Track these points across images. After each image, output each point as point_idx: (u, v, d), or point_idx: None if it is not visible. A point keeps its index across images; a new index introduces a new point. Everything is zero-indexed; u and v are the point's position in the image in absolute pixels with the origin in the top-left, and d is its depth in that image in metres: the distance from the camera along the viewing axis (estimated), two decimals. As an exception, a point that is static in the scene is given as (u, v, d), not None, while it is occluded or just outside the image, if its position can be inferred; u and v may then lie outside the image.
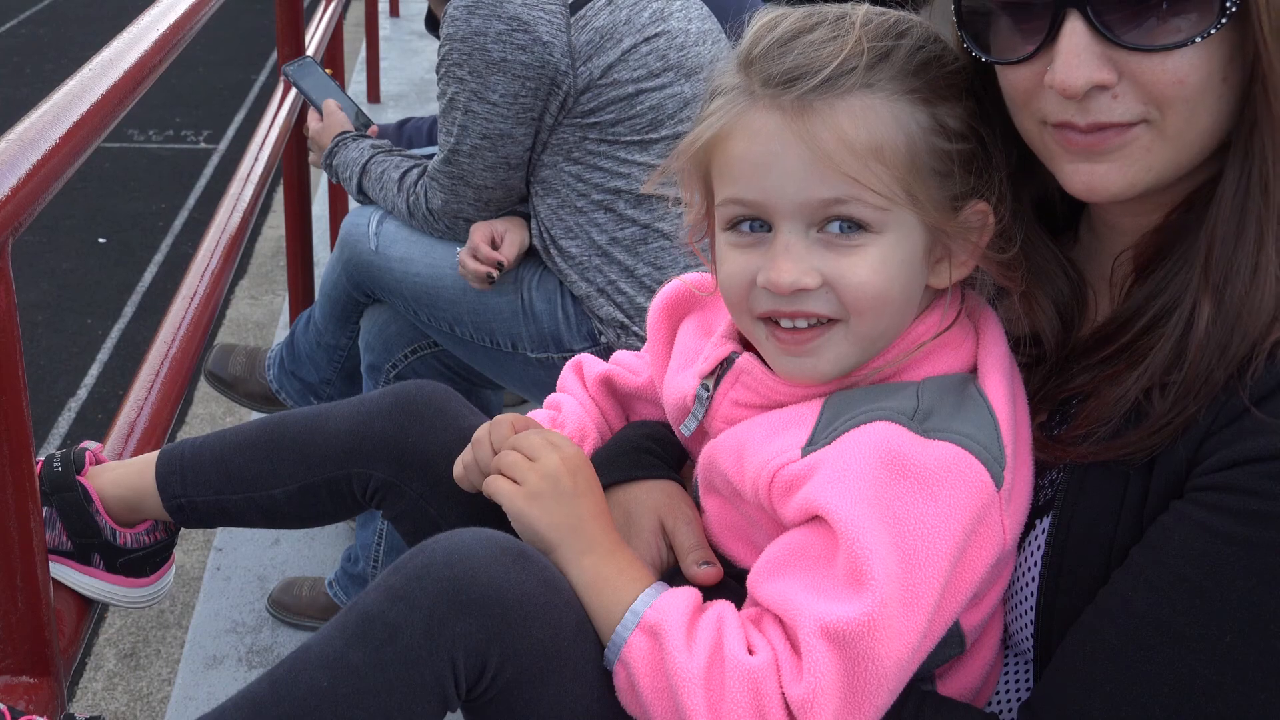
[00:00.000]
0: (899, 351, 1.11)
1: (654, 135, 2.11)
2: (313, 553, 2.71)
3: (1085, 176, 1.02)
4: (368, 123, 2.58)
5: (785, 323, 1.10)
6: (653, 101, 2.09)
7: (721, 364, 1.19)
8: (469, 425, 1.38)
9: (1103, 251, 1.14)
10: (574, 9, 2.07)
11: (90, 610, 1.41)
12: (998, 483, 1.04)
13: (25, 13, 8.73)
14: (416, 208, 2.26)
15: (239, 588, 2.63)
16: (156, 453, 1.45)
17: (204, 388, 3.44)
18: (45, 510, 1.37)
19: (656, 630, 1.06)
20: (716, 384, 1.19)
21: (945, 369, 1.11)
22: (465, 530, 1.11)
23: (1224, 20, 0.94)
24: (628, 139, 2.10)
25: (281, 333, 3.83)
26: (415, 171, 2.29)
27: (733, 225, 1.12)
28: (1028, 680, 1.17)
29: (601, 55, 2.06)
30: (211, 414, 3.47)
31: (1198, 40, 0.95)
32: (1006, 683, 1.18)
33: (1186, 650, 0.95)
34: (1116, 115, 0.99)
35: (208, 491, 1.43)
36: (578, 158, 2.13)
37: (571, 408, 1.40)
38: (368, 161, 2.37)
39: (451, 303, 2.25)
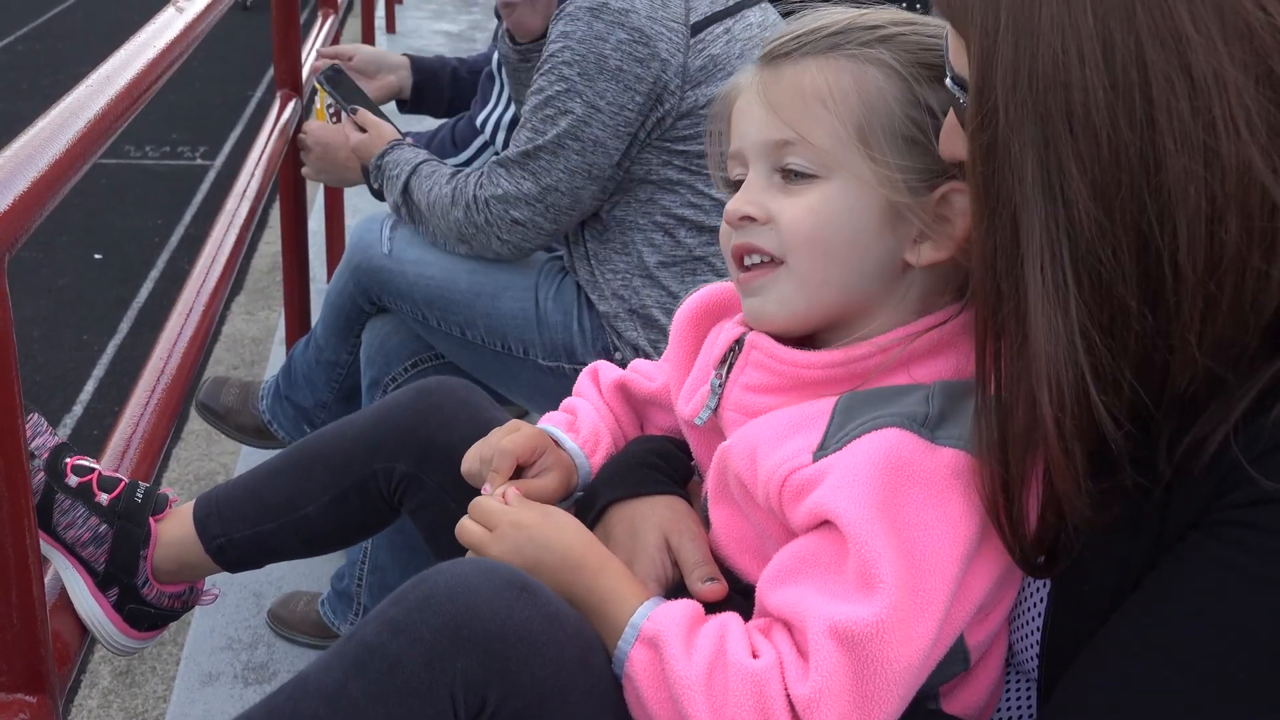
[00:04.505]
0: (892, 339, 1.11)
1: None
2: (309, 568, 2.69)
3: None
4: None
5: (747, 260, 1.17)
6: None
7: (732, 348, 1.20)
8: (491, 418, 1.40)
9: None
10: (694, 31, 2.05)
11: (87, 630, 1.41)
12: None
13: (22, 29, 8.74)
14: (461, 194, 2.18)
15: (234, 604, 2.62)
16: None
17: (200, 403, 3.43)
18: (101, 524, 1.39)
19: (655, 640, 1.06)
20: (728, 371, 1.20)
21: (957, 374, 1.10)
22: (467, 561, 1.11)
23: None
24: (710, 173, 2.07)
25: (277, 348, 3.83)
26: (474, 170, 2.23)
27: (733, 184, 1.20)
28: (1029, 701, 1.16)
29: (710, 84, 2.03)
30: (207, 430, 3.46)
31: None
32: (1008, 702, 1.18)
33: (1197, 683, 0.94)
34: None
35: (244, 526, 1.45)
36: (655, 181, 2.10)
37: (586, 411, 1.40)
38: (421, 163, 2.31)
39: (465, 305, 2.23)
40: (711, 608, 1.12)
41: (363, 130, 2.46)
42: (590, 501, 1.30)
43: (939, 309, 1.14)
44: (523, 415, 2.98)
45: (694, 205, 2.11)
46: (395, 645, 1.03)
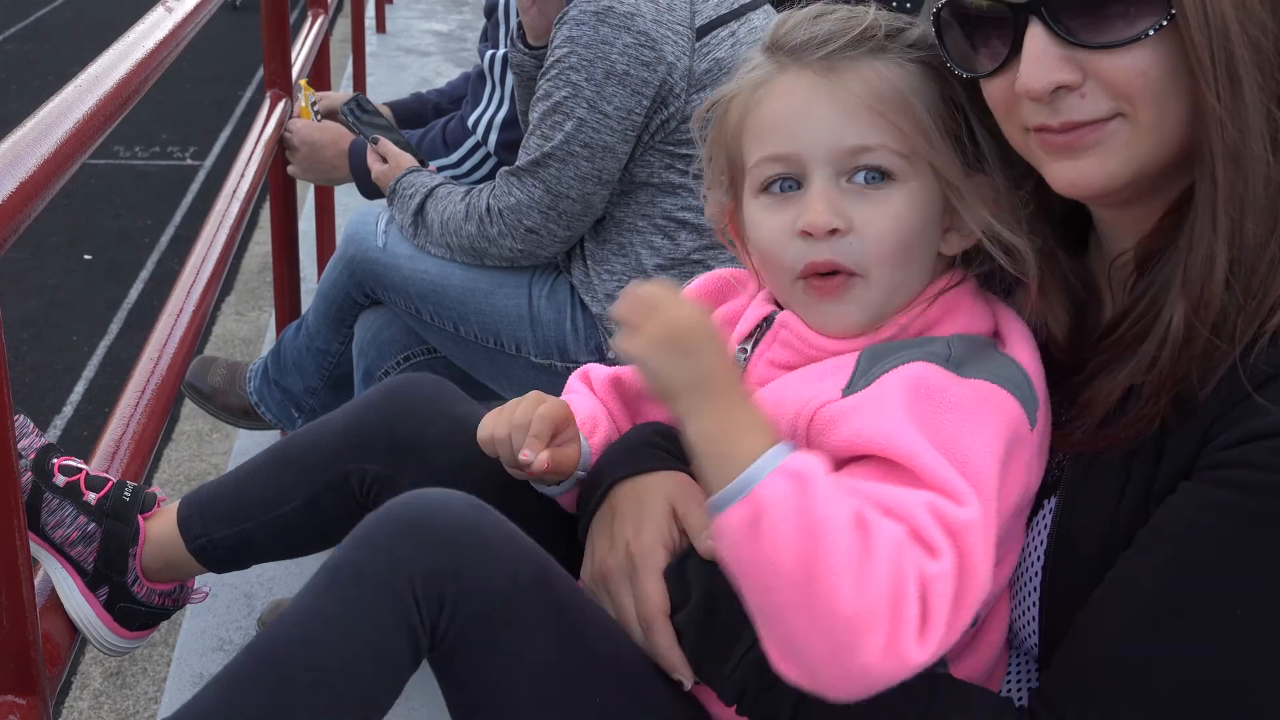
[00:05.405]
0: (910, 316, 1.16)
1: None
2: (300, 569, 2.69)
3: (1068, 173, 1.05)
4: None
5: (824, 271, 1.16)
6: None
7: (760, 325, 1.23)
8: (463, 414, 1.40)
9: (1107, 262, 1.15)
10: (699, 34, 2.05)
11: (77, 631, 1.41)
12: (1031, 421, 1.07)
13: (11, 29, 8.72)
14: (475, 208, 2.18)
15: (225, 605, 2.61)
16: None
17: (191, 404, 3.43)
18: (89, 523, 1.40)
19: (800, 474, 0.97)
20: (754, 346, 1.22)
21: (968, 330, 1.15)
22: (427, 489, 1.17)
23: (1173, 12, 0.97)
24: None
25: (268, 349, 3.82)
26: (486, 185, 2.23)
27: (765, 188, 1.18)
28: (1030, 679, 1.17)
29: (714, 88, 2.00)
30: (198, 430, 3.46)
31: (1150, 34, 0.98)
32: (1009, 682, 1.19)
33: (1196, 625, 0.96)
34: (1087, 113, 1.02)
35: (225, 526, 1.45)
36: (656, 184, 2.11)
37: (582, 399, 1.41)
38: (437, 185, 2.32)
39: (458, 301, 2.23)
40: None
41: (384, 160, 2.46)
42: (594, 483, 1.30)
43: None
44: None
45: (695, 209, 2.10)
46: (359, 556, 1.10)
